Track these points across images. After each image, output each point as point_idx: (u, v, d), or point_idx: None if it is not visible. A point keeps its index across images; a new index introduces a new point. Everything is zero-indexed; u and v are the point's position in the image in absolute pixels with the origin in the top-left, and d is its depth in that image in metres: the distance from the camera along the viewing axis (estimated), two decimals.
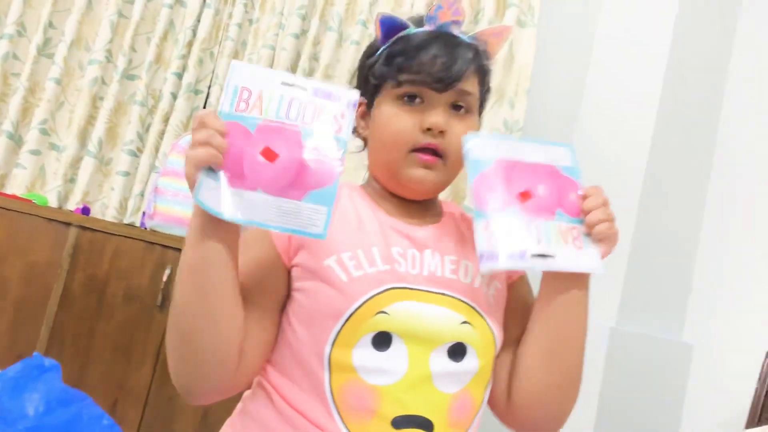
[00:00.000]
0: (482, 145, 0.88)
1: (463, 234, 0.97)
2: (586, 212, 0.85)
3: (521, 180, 0.86)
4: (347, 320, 0.82)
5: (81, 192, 2.37)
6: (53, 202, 2.36)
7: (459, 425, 0.85)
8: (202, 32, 2.46)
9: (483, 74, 0.97)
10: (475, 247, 0.83)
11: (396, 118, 0.92)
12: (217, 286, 0.79)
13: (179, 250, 2.09)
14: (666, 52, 2.13)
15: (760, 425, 1.69)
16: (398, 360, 0.82)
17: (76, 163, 2.41)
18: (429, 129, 0.90)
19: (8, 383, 1.50)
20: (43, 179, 2.43)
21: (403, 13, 2.34)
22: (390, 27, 0.94)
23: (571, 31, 2.38)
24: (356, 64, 1.05)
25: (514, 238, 0.82)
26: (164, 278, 2.02)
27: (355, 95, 0.83)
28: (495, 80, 2.24)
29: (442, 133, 0.90)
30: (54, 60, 2.44)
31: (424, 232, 0.93)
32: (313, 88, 0.81)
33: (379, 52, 0.95)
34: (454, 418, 0.84)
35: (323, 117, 0.80)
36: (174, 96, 2.44)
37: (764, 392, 1.73)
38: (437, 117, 0.90)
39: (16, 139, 2.42)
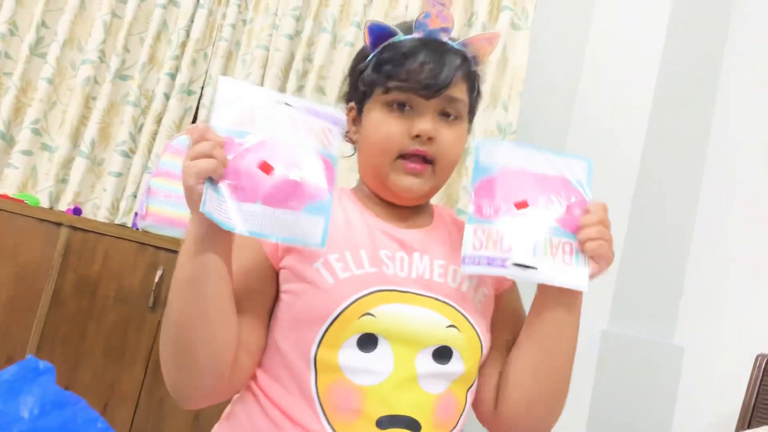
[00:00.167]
0: (492, 151, 0.89)
1: (453, 238, 0.97)
2: (581, 228, 0.84)
3: (522, 189, 0.86)
4: (333, 321, 0.83)
5: (73, 192, 2.36)
6: (45, 203, 2.35)
7: (444, 425, 0.86)
8: (195, 33, 2.46)
9: (472, 80, 0.97)
10: (462, 249, 0.84)
11: (385, 125, 0.92)
12: (217, 296, 0.80)
13: (171, 251, 2.10)
14: (659, 55, 2.14)
15: (751, 428, 1.70)
16: (384, 361, 0.83)
17: (68, 164, 2.40)
18: (418, 136, 0.90)
19: (3, 386, 1.50)
20: (35, 179, 2.42)
21: (397, 16, 2.35)
22: (378, 34, 0.94)
23: (565, 35, 2.39)
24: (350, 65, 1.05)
25: (498, 246, 0.83)
26: (156, 279, 2.01)
27: (342, 116, 0.86)
28: (488, 83, 2.24)
29: (430, 139, 0.91)
30: (46, 60, 2.43)
31: (413, 235, 0.94)
32: (302, 106, 0.83)
33: (368, 59, 0.96)
34: (440, 418, 0.85)
35: (313, 133, 0.82)
36: (167, 96, 2.44)
37: (755, 395, 1.74)
38: (426, 124, 0.90)
39: (8, 139, 2.40)
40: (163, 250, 2.03)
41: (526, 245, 0.82)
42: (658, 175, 2.15)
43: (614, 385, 2.03)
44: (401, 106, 0.92)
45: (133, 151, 2.42)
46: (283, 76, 2.39)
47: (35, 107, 2.40)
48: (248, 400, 0.88)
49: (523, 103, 2.28)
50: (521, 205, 0.85)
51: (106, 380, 1.99)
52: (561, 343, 0.89)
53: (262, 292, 0.88)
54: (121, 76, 2.46)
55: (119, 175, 2.39)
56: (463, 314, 0.88)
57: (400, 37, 0.94)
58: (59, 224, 2.05)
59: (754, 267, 2.07)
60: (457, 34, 0.98)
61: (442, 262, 0.92)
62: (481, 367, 0.94)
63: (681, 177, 2.23)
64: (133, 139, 2.43)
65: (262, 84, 2.38)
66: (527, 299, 0.97)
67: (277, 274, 0.89)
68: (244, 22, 2.52)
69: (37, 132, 2.41)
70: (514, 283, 1.00)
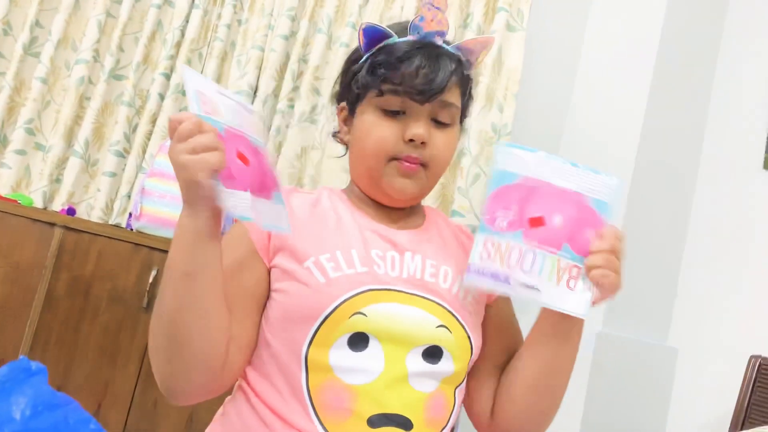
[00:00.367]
0: (514, 157, 0.85)
1: (445, 240, 0.97)
2: (590, 253, 0.82)
3: (539, 204, 0.83)
4: (324, 321, 0.83)
5: (66, 192, 2.35)
6: (38, 203, 2.34)
7: (436, 423, 0.86)
8: (190, 33, 2.45)
9: (465, 84, 0.97)
10: (469, 257, 0.84)
11: (378, 128, 0.92)
12: (211, 289, 0.80)
13: (166, 251, 2.07)
14: (654, 56, 2.14)
15: (745, 429, 1.71)
16: (374, 360, 0.83)
17: (62, 164, 2.39)
18: (411, 140, 0.90)
19: None
20: (29, 179, 2.41)
21: (393, 17, 2.35)
22: (372, 36, 0.94)
23: (560, 36, 2.39)
24: None
25: (506, 261, 0.81)
26: (150, 280, 2.00)
27: (259, 114, 0.87)
28: (484, 84, 2.24)
29: (423, 144, 0.91)
30: (40, 59, 2.42)
31: (405, 235, 0.94)
32: (237, 100, 0.83)
33: (362, 60, 0.95)
34: (431, 416, 0.85)
35: (254, 127, 0.83)
36: (162, 97, 2.43)
37: (748, 396, 1.74)
38: (419, 129, 0.90)
39: (2, 139, 2.40)
40: (157, 250, 2.02)
41: (533, 265, 0.81)
42: (652, 176, 2.15)
43: (608, 386, 2.03)
44: (395, 112, 0.92)
45: (127, 152, 2.41)
46: (278, 77, 2.38)
47: (29, 107, 2.39)
48: (240, 399, 0.88)
49: (519, 104, 2.28)
50: (536, 222, 0.82)
51: (100, 381, 1.98)
52: (560, 363, 0.90)
53: (252, 288, 0.88)
54: (115, 75, 2.45)
55: (113, 175, 2.38)
56: (453, 314, 0.88)
57: (395, 39, 0.93)
58: (53, 224, 2.05)
59: (748, 269, 2.07)
60: (451, 37, 0.97)
61: (433, 261, 0.92)
62: (476, 376, 0.95)
63: (675, 178, 2.24)
64: (128, 139, 2.42)
65: (257, 85, 2.38)
66: (524, 307, 0.97)
67: (268, 272, 0.89)
68: (240, 22, 2.52)
69: (30, 132, 2.40)
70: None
